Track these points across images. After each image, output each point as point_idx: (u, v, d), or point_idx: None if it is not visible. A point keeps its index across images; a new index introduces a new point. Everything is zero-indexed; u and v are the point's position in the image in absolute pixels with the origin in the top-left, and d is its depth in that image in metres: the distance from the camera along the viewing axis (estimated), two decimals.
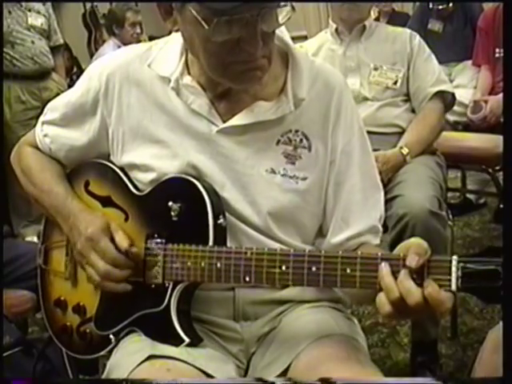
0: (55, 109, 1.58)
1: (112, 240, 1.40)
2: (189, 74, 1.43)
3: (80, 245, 1.42)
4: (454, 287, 1.10)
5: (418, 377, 2.44)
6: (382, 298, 1.15)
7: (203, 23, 1.21)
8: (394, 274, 1.14)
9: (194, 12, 1.23)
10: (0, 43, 4.13)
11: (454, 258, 1.11)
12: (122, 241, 1.39)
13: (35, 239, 1.67)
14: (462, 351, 2.72)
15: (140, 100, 1.45)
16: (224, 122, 1.41)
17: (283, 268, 1.24)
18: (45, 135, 1.59)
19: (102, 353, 1.46)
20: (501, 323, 1.33)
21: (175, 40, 1.46)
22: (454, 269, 1.10)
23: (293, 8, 1.26)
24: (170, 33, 1.45)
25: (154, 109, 1.44)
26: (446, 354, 2.71)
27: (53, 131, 1.58)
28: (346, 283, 1.20)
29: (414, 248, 1.14)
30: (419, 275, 1.12)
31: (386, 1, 6.04)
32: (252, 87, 1.40)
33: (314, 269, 1.22)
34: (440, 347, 2.67)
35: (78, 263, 1.49)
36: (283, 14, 1.26)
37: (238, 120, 1.40)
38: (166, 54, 1.45)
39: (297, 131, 1.43)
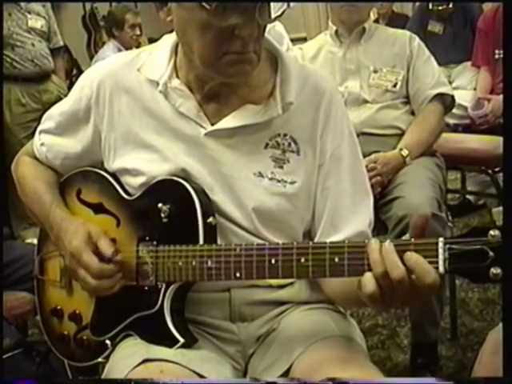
0: (51, 118, 1.60)
1: (97, 250, 1.40)
2: (177, 77, 1.44)
3: (67, 260, 1.43)
4: (441, 269, 1.10)
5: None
6: (367, 276, 1.16)
7: (204, 4, 1.22)
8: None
9: None
10: (0, 45, 4.14)
11: (441, 239, 1.11)
12: (106, 249, 1.39)
13: (35, 241, 1.68)
14: (462, 353, 2.72)
15: (129, 106, 1.46)
16: (212, 124, 1.42)
17: (272, 261, 1.25)
18: (41, 144, 1.61)
19: (100, 359, 1.47)
20: (501, 324, 1.33)
21: (164, 44, 1.47)
22: (440, 250, 1.11)
23: (288, 5, 1.28)
24: (171, 31, 1.46)
25: (142, 114, 1.46)
26: (446, 356, 2.71)
27: (49, 140, 1.60)
28: (334, 272, 1.20)
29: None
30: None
31: (386, 1, 6.03)
32: (240, 87, 1.41)
33: (302, 260, 1.22)
34: (440, 349, 2.68)
35: (70, 275, 1.50)
36: (276, 9, 1.27)
37: (226, 123, 1.41)
38: (154, 58, 1.47)
39: (285, 135, 1.43)
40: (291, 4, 1.30)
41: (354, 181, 1.47)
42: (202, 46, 1.30)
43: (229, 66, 1.31)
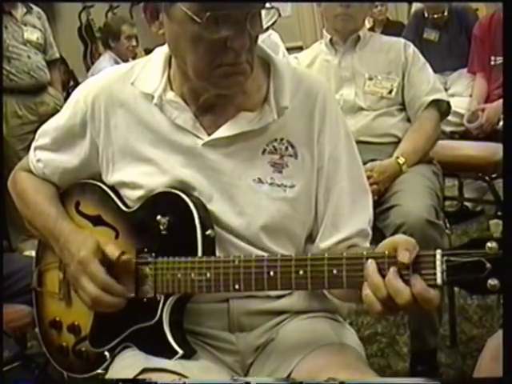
0: (46, 134, 1.59)
1: (103, 261, 1.39)
2: (171, 89, 1.44)
3: (73, 267, 1.42)
4: (439, 281, 1.11)
5: None
6: (371, 297, 1.16)
7: (195, 17, 1.23)
8: (380, 271, 1.15)
9: (184, 8, 1.25)
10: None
11: (438, 251, 1.12)
12: (113, 251, 1.40)
13: (33, 253, 1.68)
14: (461, 360, 2.71)
15: (125, 119, 1.47)
16: (209, 134, 1.42)
17: (271, 273, 1.25)
18: (38, 160, 1.60)
19: (99, 370, 1.46)
20: (500, 331, 1.33)
21: (157, 57, 1.48)
22: (438, 262, 1.11)
23: (279, 14, 1.30)
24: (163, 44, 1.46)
25: (138, 127, 1.46)
26: (446, 363, 2.70)
27: (45, 156, 1.59)
28: (333, 284, 1.21)
29: (403, 244, 1.15)
30: (406, 271, 1.13)
31: (382, 1, 6.05)
32: (234, 96, 1.41)
33: (301, 272, 1.23)
34: (439, 356, 2.67)
35: (71, 286, 1.49)
36: (268, 18, 1.28)
37: (222, 132, 1.41)
38: (148, 71, 1.47)
39: (282, 140, 1.44)
40: (286, 13, 1.31)
41: (352, 180, 1.48)
42: (195, 58, 1.30)
43: (223, 78, 1.32)
